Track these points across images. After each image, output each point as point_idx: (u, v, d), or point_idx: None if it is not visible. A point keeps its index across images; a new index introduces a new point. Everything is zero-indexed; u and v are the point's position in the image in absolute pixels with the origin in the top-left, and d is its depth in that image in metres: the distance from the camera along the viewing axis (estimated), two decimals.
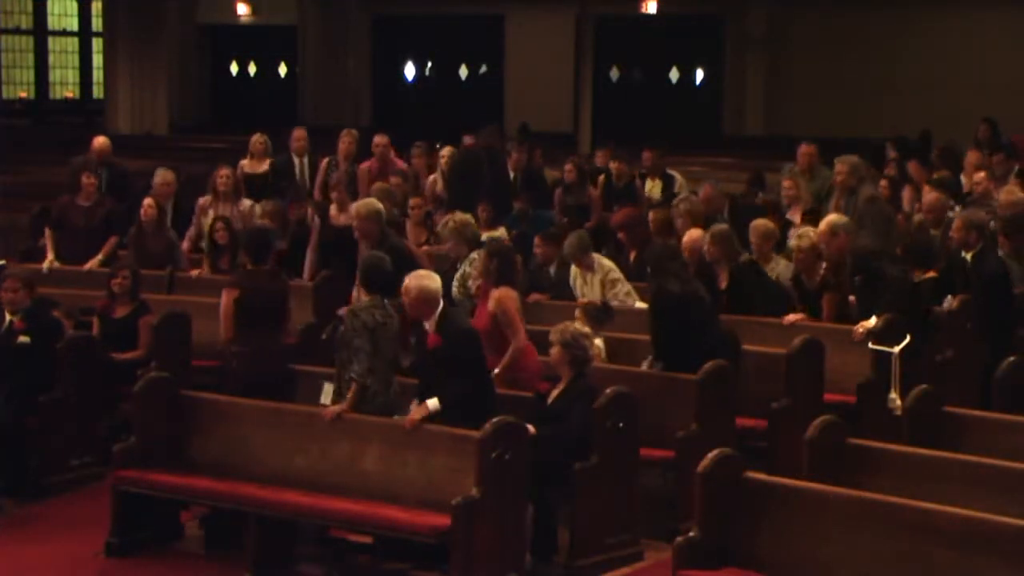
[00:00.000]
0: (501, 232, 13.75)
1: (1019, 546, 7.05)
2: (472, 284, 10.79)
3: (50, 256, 13.88)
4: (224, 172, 14.32)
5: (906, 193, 14.45)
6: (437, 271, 10.01)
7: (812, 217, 12.99)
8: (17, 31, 29.08)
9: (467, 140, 17.14)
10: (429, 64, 29.91)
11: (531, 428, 8.91)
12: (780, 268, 11.92)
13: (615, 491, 9.29)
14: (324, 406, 9.51)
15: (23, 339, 10.91)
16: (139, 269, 12.54)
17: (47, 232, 14.17)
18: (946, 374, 11.14)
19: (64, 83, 30.08)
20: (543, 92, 26.83)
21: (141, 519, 9.72)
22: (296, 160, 15.72)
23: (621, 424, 9.27)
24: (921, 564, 7.32)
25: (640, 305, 11.59)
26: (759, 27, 26.85)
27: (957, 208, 13.01)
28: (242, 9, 29.89)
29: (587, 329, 9.62)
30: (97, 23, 29.14)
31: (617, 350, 10.83)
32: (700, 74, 28.24)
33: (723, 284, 11.60)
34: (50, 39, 29.49)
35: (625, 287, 12.00)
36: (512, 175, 16.06)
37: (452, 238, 11.35)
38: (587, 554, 9.22)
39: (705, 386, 9.84)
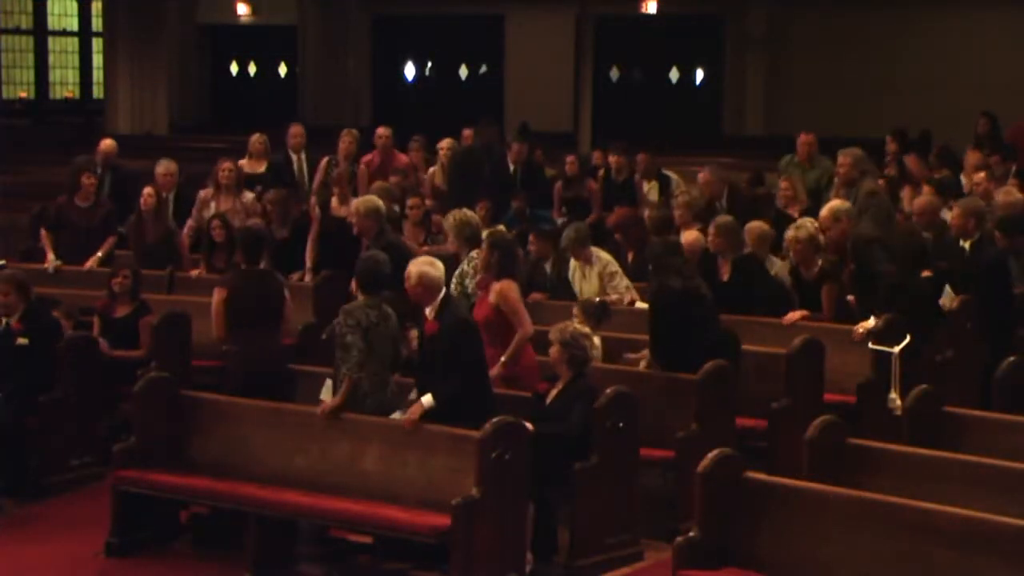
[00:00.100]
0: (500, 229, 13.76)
1: (1019, 546, 7.05)
2: (470, 283, 10.77)
3: (51, 256, 13.87)
4: (227, 165, 14.34)
5: (905, 192, 14.45)
6: None
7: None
8: (17, 31, 29.07)
9: (467, 133, 17.13)
10: (429, 64, 29.90)
11: (530, 427, 8.91)
12: (777, 268, 11.93)
13: (615, 491, 9.29)
14: (322, 402, 9.53)
15: (22, 341, 10.90)
16: (139, 258, 12.67)
17: (43, 233, 14.15)
18: (946, 374, 11.14)
19: (64, 83, 30.06)
20: (543, 92, 26.82)
21: (141, 519, 9.72)
22: (294, 156, 15.71)
23: (621, 424, 9.28)
24: (921, 564, 7.32)
25: (640, 305, 11.59)
26: (759, 27, 26.84)
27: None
28: (242, 9, 29.88)
29: (587, 329, 9.62)
30: (97, 23, 29.12)
31: (617, 349, 10.82)
32: (700, 74, 28.23)
33: (725, 276, 11.59)
34: (50, 39, 29.48)
35: (624, 281, 12.01)
36: (512, 168, 16.07)
37: (452, 236, 11.35)
38: (587, 554, 9.22)
39: (705, 386, 9.84)
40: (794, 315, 11.30)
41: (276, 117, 16.38)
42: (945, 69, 24.48)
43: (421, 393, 9.12)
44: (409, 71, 29.88)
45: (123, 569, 9.55)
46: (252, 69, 31.37)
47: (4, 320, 10.98)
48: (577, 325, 9.66)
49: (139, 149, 17.04)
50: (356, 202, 12.01)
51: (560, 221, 14.81)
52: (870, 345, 10.47)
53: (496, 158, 16.09)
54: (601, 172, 16.05)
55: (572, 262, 12.17)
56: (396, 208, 13.54)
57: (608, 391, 9.29)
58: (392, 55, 29.71)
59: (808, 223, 11.67)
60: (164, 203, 14.13)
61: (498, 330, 9.96)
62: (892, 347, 10.07)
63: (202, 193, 14.38)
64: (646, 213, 13.47)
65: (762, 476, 8.22)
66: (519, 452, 8.69)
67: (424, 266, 9.29)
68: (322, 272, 12.87)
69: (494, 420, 8.65)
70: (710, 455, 8.00)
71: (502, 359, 9.88)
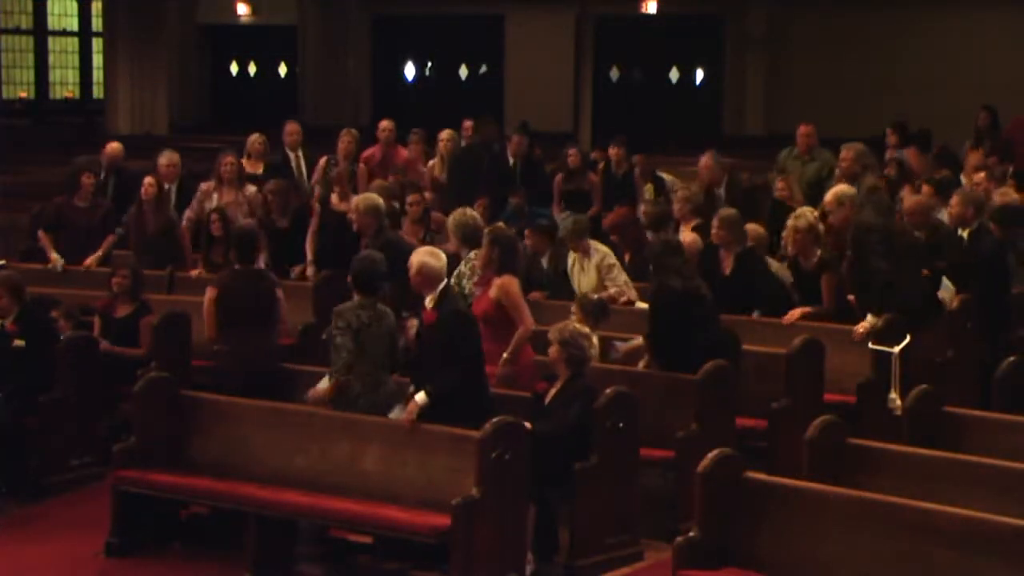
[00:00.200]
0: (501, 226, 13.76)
1: (1019, 546, 7.05)
2: (468, 284, 10.75)
3: (54, 256, 13.87)
4: (229, 159, 14.35)
5: (905, 192, 14.44)
6: None
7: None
8: (17, 31, 29.07)
9: (467, 124, 17.12)
10: (429, 64, 29.90)
11: (527, 426, 8.92)
12: (774, 268, 11.93)
13: (615, 491, 9.29)
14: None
15: (18, 343, 10.90)
16: (139, 249, 12.65)
17: (41, 234, 14.14)
18: (946, 374, 11.14)
19: (64, 83, 30.07)
20: (543, 92, 26.83)
21: (141, 519, 9.72)
22: (291, 154, 15.71)
23: (621, 424, 9.27)
24: (921, 564, 7.32)
25: (640, 305, 11.58)
26: (759, 27, 26.85)
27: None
28: (242, 9, 29.89)
29: (586, 328, 9.61)
30: (97, 23, 29.13)
31: (633, 358, 10.79)
32: (700, 74, 28.24)
33: (727, 270, 11.59)
34: (50, 39, 29.48)
35: (623, 275, 11.98)
36: (512, 161, 16.06)
37: (452, 235, 11.35)
38: (587, 554, 9.22)
39: (705, 386, 9.84)
40: (794, 313, 11.29)
41: (276, 117, 16.35)
42: (945, 69, 24.49)
43: (418, 385, 9.13)
44: (409, 71, 29.89)
45: (123, 569, 9.55)
46: (252, 69, 31.38)
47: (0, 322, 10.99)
48: (576, 324, 9.66)
49: (139, 149, 17.03)
50: (356, 200, 12.08)
51: (562, 216, 14.82)
52: (870, 345, 10.48)
53: (495, 154, 16.07)
54: (601, 166, 15.99)
55: (571, 255, 12.16)
56: (396, 204, 13.56)
57: (608, 391, 9.29)
58: (392, 55, 29.71)
59: (807, 213, 11.69)
60: (166, 194, 14.16)
61: (497, 326, 9.95)
62: (892, 347, 10.06)
63: (204, 185, 14.39)
64: (642, 209, 13.45)
65: (762, 476, 8.22)
66: (519, 452, 8.68)
67: (425, 256, 9.33)
68: (322, 272, 12.87)
69: (494, 420, 8.65)
70: (710, 455, 8.00)
71: (504, 356, 9.87)
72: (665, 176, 15.94)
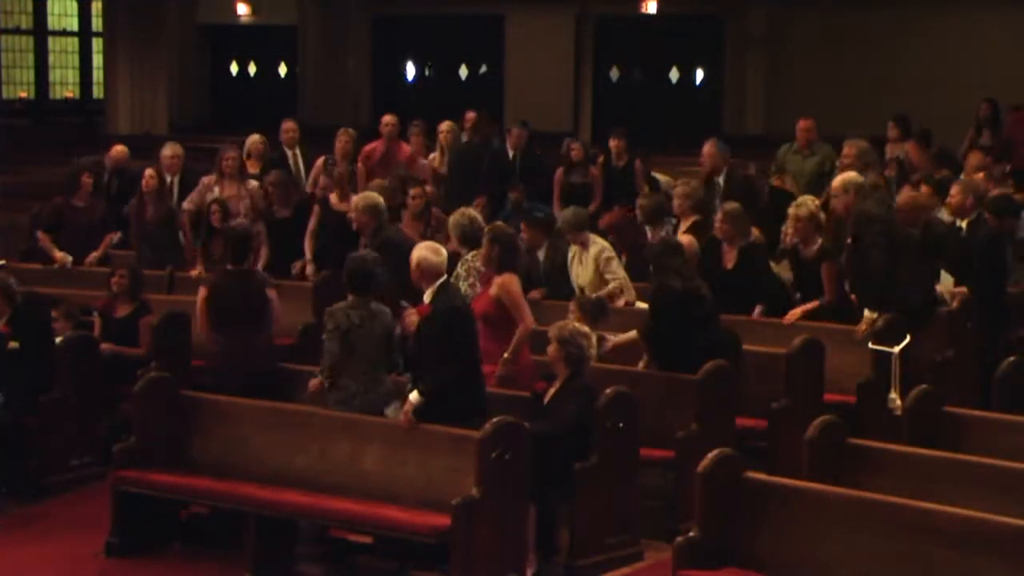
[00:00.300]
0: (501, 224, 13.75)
1: (1019, 546, 7.05)
2: (464, 286, 10.74)
3: (59, 254, 13.87)
4: (231, 154, 14.37)
5: (904, 191, 14.45)
6: None
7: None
8: (17, 31, 29.05)
9: (469, 116, 17.11)
10: (429, 64, 29.89)
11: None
12: (774, 270, 11.95)
13: (615, 491, 9.29)
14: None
15: (12, 345, 10.89)
16: (139, 240, 12.61)
17: (41, 235, 14.14)
18: (946, 374, 11.15)
19: (64, 83, 30.04)
20: (543, 92, 26.81)
21: (141, 519, 9.72)
22: (288, 153, 15.71)
23: (621, 424, 9.27)
24: (921, 564, 7.32)
25: (640, 305, 11.58)
26: (759, 27, 26.83)
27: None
28: (242, 9, 29.87)
29: (586, 328, 9.61)
30: (97, 23, 29.10)
31: (623, 353, 10.78)
32: (700, 74, 28.21)
33: (730, 264, 11.58)
34: (50, 39, 29.45)
35: (621, 269, 11.96)
36: (512, 154, 16.03)
37: (452, 235, 11.36)
38: (587, 554, 9.22)
39: (705, 386, 9.84)
40: (795, 312, 11.30)
41: (276, 117, 16.33)
42: (945, 69, 24.47)
43: (416, 381, 9.13)
44: (409, 71, 29.87)
45: (123, 569, 9.55)
46: (252, 69, 31.35)
47: None
48: (576, 324, 9.65)
49: (139, 149, 17.02)
50: (355, 199, 12.14)
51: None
52: (870, 345, 10.48)
53: (495, 152, 16.01)
54: (601, 159, 15.90)
55: (573, 248, 12.14)
56: (397, 201, 13.57)
57: (608, 391, 9.29)
58: (392, 55, 29.69)
59: (809, 201, 11.73)
60: (167, 186, 14.20)
61: (497, 324, 9.95)
62: (892, 347, 10.07)
63: (205, 179, 14.42)
64: (638, 204, 13.45)
65: (762, 476, 8.22)
66: (519, 452, 8.69)
67: (425, 251, 9.39)
68: (322, 272, 12.87)
69: (494, 420, 8.66)
70: (710, 455, 8.01)
71: (504, 355, 9.87)
72: (660, 176, 15.91)
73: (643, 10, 26.10)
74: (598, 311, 10.70)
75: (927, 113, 18.06)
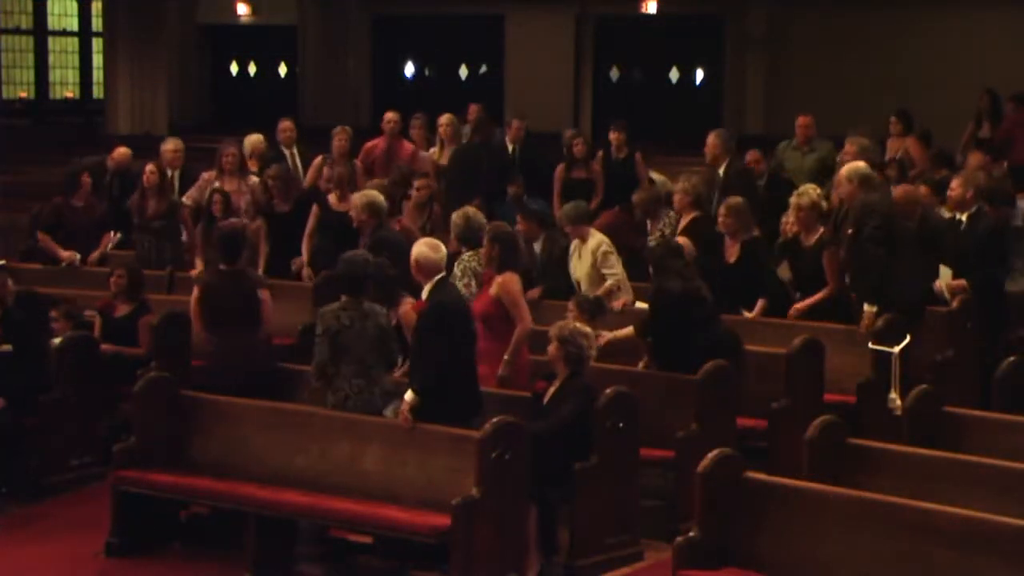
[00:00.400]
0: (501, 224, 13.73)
1: (1019, 546, 7.05)
2: (459, 285, 10.74)
3: (66, 253, 13.88)
4: (231, 151, 14.39)
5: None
6: None
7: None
8: (17, 31, 29.03)
9: (473, 108, 17.10)
10: (429, 64, 29.88)
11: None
12: None
13: (615, 491, 9.29)
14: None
15: (4, 347, 10.88)
16: (141, 234, 12.52)
17: (41, 235, 14.14)
18: (946, 374, 11.15)
19: (64, 83, 30.02)
20: (543, 92, 26.78)
21: (141, 519, 9.72)
22: (286, 152, 15.71)
23: (621, 424, 9.27)
24: (921, 564, 7.32)
25: (640, 305, 11.57)
26: (759, 27, 26.81)
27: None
28: (242, 9, 29.85)
29: (588, 328, 9.61)
30: (97, 23, 29.08)
31: (617, 349, 10.81)
32: (700, 74, 28.20)
33: (732, 258, 11.58)
34: (50, 39, 29.43)
35: (619, 265, 11.94)
36: (511, 147, 16.01)
37: (452, 235, 11.37)
38: (587, 554, 9.22)
39: (705, 386, 9.84)
40: (801, 306, 11.31)
41: (276, 117, 16.33)
42: (945, 69, 24.45)
43: (413, 376, 9.14)
44: (409, 71, 29.86)
45: (123, 569, 9.55)
46: (252, 69, 31.34)
47: None
48: (577, 324, 9.65)
49: (139, 149, 17.02)
50: (355, 197, 12.17)
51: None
52: (870, 345, 10.48)
53: (494, 151, 15.95)
54: (600, 153, 15.82)
55: (574, 242, 12.13)
56: (400, 191, 13.62)
57: (608, 391, 9.29)
58: (392, 55, 29.68)
59: (811, 190, 11.75)
60: (168, 181, 14.22)
61: (497, 324, 9.97)
62: (892, 347, 10.07)
63: (206, 174, 14.47)
64: (634, 199, 13.44)
65: (762, 476, 8.22)
66: (519, 452, 8.69)
67: (424, 247, 9.44)
68: (321, 272, 12.87)
69: (494, 420, 8.66)
70: (710, 455, 8.01)
71: (504, 357, 9.88)
72: (656, 176, 15.89)
73: (643, 10, 26.08)
74: (596, 310, 10.71)
75: (927, 113, 18.05)
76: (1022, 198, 13.72)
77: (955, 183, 12.12)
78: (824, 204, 11.73)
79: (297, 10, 29.61)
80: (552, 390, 9.36)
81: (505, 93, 28.10)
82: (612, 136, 15.67)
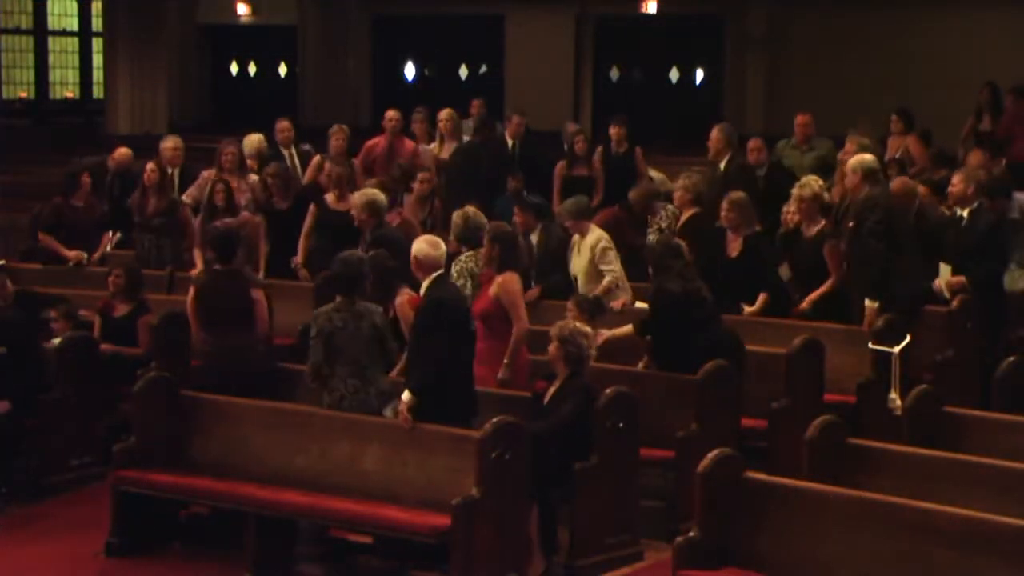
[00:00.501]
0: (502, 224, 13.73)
1: (1019, 546, 7.05)
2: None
3: (72, 253, 13.88)
4: (230, 149, 14.39)
5: None
6: None
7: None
8: (17, 31, 29.01)
9: (476, 103, 17.09)
10: (429, 64, 29.87)
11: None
12: None
13: (615, 491, 9.29)
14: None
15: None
16: (142, 232, 12.54)
17: (43, 236, 14.13)
18: (946, 374, 11.15)
19: (64, 83, 30.01)
20: (543, 92, 26.77)
21: (141, 519, 9.72)
22: (284, 152, 15.71)
23: (621, 424, 9.27)
24: (921, 564, 7.32)
25: (640, 305, 11.57)
26: (759, 27, 26.81)
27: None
28: (242, 9, 29.85)
29: (588, 328, 9.61)
30: (97, 23, 29.07)
31: (617, 348, 10.81)
32: (700, 74, 28.20)
33: (734, 253, 11.58)
34: (50, 39, 29.42)
35: (617, 262, 11.94)
36: (511, 143, 16.01)
37: (452, 233, 11.37)
38: (587, 554, 9.22)
39: (705, 386, 9.84)
40: (811, 297, 11.33)
41: (276, 117, 16.35)
42: (945, 69, 24.45)
43: (410, 374, 9.16)
44: (409, 71, 29.85)
45: (123, 569, 9.55)
46: (252, 69, 31.34)
47: None
48: (578, 324, 9.65)
49: (139, 149, 17.02)
50: (355, 196, 12.20)
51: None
52: (870, 345, 10.48)
53: (494, 152, 15.92)
54: (600, 149, 15.79)
55: (574, 238, 12.12)
56: (402, 186, 13.62)
57: (608, 391, 9.29)
58: (392, 55, 29.67)
59: (813, 181, 11.76)
60: (169, 178, 14.23)
61: (497, 324, 9.97)
62: (892, 347, 10.07)
63: (205, 173, 14.47)
64: (631, 195, 13.44)
65: (762, 476, 8.22)
66: (519, 452, 8.69)
67: (423, 244, 9.45)
68: (322, 272, 12.86)
69: (494, 420, 8.66)
70: (710, 455, 8.00)
71: (504, 361, 9.89)
72: (655, 174, 15.89)
73: (643, 10, 26.08)
74: (595, 309, 10.71)
75: (927, 113, 18.04)
76: (1019, 192, 13.72)
77: (956, 179, 12.13)
78: (826, 195, 11.74)
79: (297, 10, 29.60)
80: (552, 390, 9.36)
81: (505, 93, 28.09)
82: (612, 131, 15.65)
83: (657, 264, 10.48)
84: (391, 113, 15.85)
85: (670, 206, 13.27)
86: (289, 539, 9.46)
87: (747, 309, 11.54)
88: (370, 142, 15.74)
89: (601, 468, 9.18)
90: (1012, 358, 10.18)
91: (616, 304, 11.66)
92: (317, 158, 15.29)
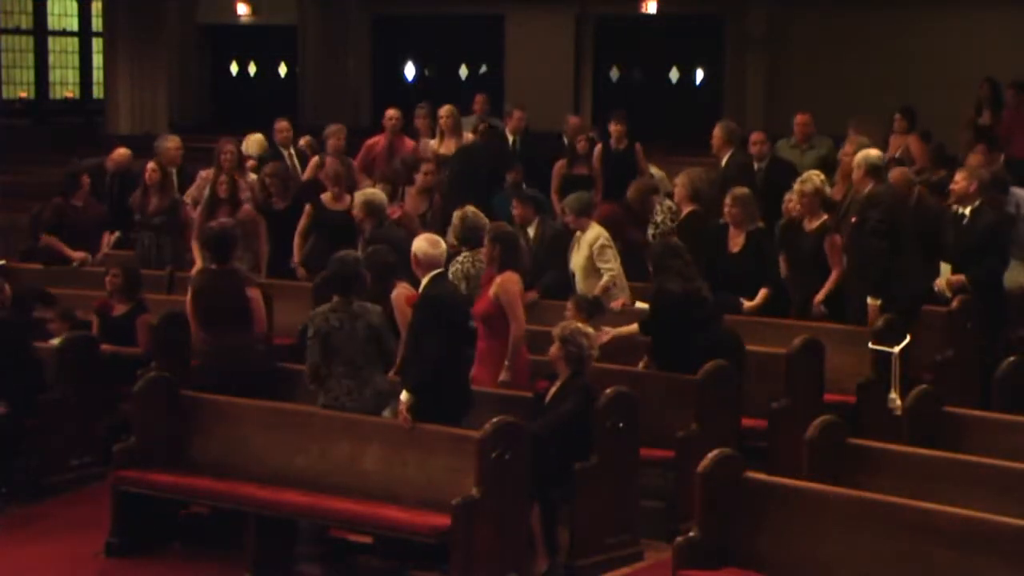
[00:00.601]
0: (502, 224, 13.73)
1: (1019, 546, 7.05)
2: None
3: (77, 254, 13.88)
4: (229, 148, 14.39)
5: None
6: None
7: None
8: (17, 31, 29.02)
9: (479, 99, 17.08)
10: (429, 64, 29.88)
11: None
12: None
13: (615, 491, 9.29)
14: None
15: None
16: (143, 231, 12.56)
17: (45, 237, 14.13)
18: (946, 374, 11.15)
19: (64, 83, 30.01)
20: (543, 92, 26.75)
21: (141, 519, 9.72)
22: (283, 152, 15.71)
23: (621, 424, 9.27)
24: (921, 564, 7.32)
25: (640, 305, 11.57)
26: (759, 27, 26.81)
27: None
28: (242, 9, 29.85)
29: (589, 328, 9.61)
30: (97, 23, 29.07)
31: (618, 348, 10.80)
32: (700, 74, 28.20)
33: (736, 248, 11.58)
34: (50, 39, 29.42)
35: (616, 261, 11.93)
36: (511, 138, 15.99)
37: (453, 233, 11.37)
38: (587, 554, 9.22)
39: (705, 386, 9.84)
40: (823, 292, 11.34)
41: (276, 117, 16.36)
42: (945, 69, 24.45)
43: (407, 372, 9.17)
44: (409, 71, 29.86)
45: (123, 569, 9.55)
46: (252, 69, 31.34)
47: None
48: (579, 324, 9.65)
49: (139, 149, 17.03)
50: (356, 195, 12.20)
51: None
52: (870, 345, 10.48)
53: (494, 153, 15.90)
54: (600, 145, 15.75)
55: (576, 234, 12.12)
56: (402, 180, 13.62)
57: (608, 391, 9.29)
58: (392, 55, 29.67)
59: (814, 176, 11.77)
60: (169, 177, 14.22)
61: (498, 324, 9.98)
62: (892, 347, 10.07)
63: (203, 172, 14.48)
64: (629, 193, 13.44)
65: (762, 476, 8.22)
66: (519, 452, 8.69)
67: (423, 242, 9.47)
68: (320, 272, 12.86)
69: (494, 420, 8.66)
70: (710, 455, 8.01)
71: (505, 363, 9.89)
72: (655, 171, 15.87)
73: (643, 10, 26.08)
74: (594, 309, 10.71)
75: (927, 113, 18.03)
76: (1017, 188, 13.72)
77: (959, 176, 12.13)
78: (828, 190, 11.74)
79: (297, 10, 29.61)
80: (553, 390, 9.36)
81: (505, 93, 28.06)
82: (612, 127, 15.60)
83: (657, 264, 10.48)
84: (391, 112, 15.85)
85: (668, 202, 13.27)
86: (289, 539, 9.46)
87: (746, 304, 11.52)
88: (370, 141, 15.75)
89: (601, 468, 9.18)
90: (1012, 358, 10.18)
91: (615, 304, 11.65)
92: (316, 157, 15.30)
